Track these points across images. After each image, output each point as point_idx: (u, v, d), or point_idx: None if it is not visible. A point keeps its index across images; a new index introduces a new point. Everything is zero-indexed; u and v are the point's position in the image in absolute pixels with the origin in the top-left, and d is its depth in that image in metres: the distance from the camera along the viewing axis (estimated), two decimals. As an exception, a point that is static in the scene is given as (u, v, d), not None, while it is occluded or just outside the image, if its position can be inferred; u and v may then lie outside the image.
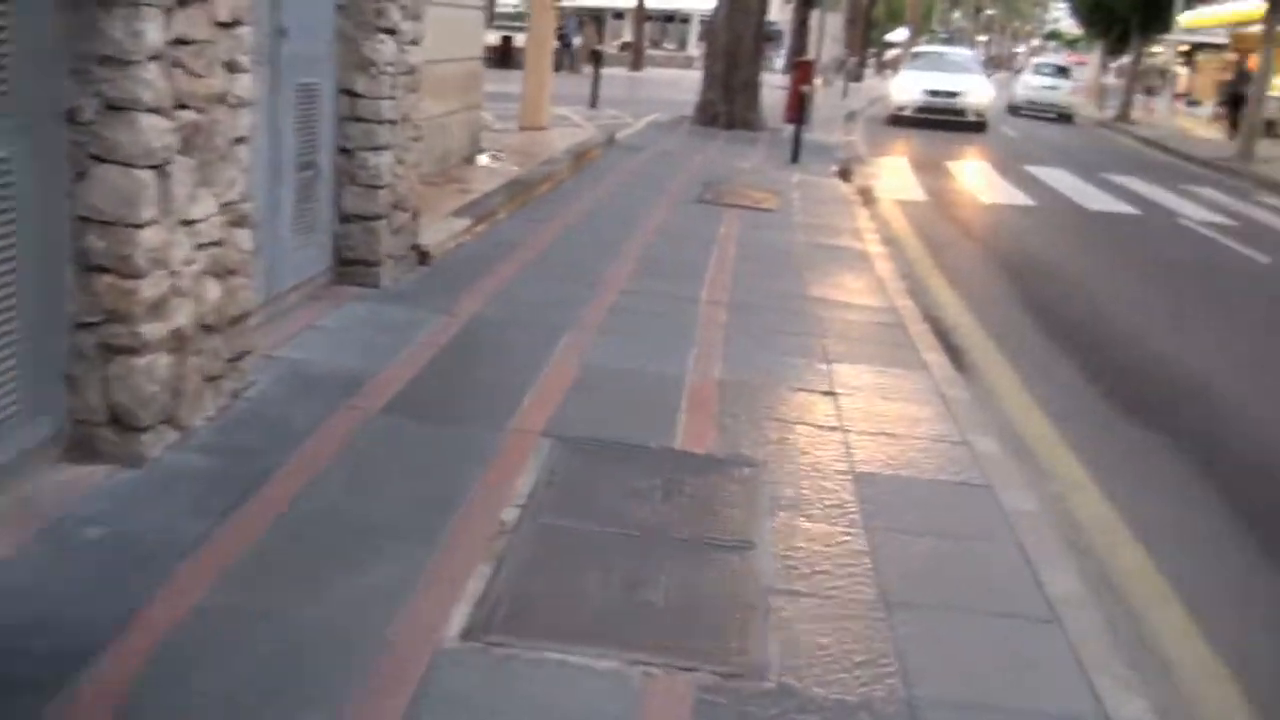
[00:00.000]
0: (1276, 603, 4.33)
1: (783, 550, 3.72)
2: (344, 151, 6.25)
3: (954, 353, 6.77)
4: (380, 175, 6.31)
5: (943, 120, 25.02)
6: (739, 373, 5.56)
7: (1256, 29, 36.76)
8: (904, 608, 3.47)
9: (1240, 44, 39.64)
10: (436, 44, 8.51)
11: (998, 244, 11.56)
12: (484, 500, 3.87)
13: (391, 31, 6.28)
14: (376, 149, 6.29)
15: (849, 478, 4.40)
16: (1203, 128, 32.19)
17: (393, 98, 6.35)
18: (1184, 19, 33.28)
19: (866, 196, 12.94)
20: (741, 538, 3.78)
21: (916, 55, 31.13)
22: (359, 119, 6.24)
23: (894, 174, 16.19)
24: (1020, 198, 14.89)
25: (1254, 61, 34.25)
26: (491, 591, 3.29)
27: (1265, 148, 23.36)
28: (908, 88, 26.38)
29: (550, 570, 3.45)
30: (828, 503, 4.14)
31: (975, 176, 16.80)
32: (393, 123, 6.39)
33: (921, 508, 4.24)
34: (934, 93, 25.60)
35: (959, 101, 25.60)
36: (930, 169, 17.09)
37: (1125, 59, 40.97)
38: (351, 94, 6.18)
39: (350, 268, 6.35)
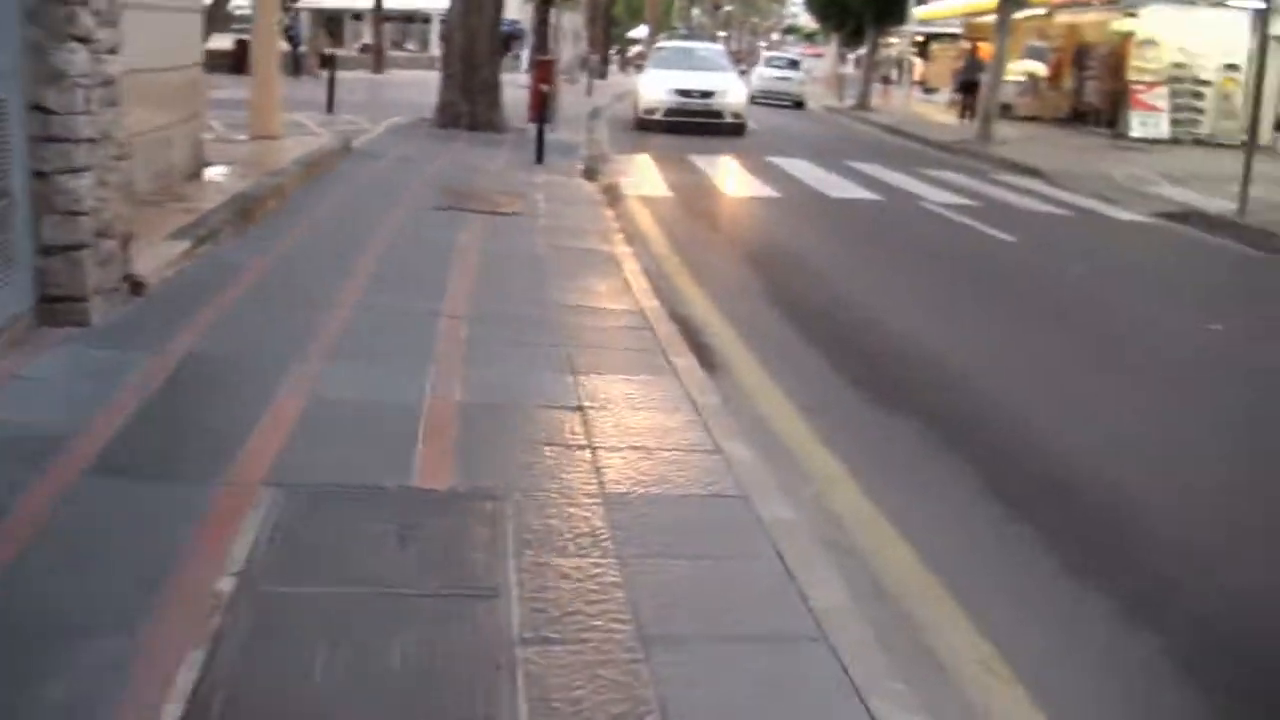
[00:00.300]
0: (1047, 591, 4.28)
1: (531, 593, 3.43)
2: (39, 175, 5.62)
3: (703, 353, 6.63)
4: (81, 200, 5.72)
5: (697, 124, 22.71)
6: (481, 393, 5.24)
7: (989, 19, 38.62)
8: (663, 643, 3.23)
9: (973, 33, 41.44)
10: (150, 51, 7.92)
11: (744, 237, 11.63)
12: (196, 570, 3.42)
13: (85, 40, 5.68)
14: (75, 171, 5.69)
15: (599, 501, 4.14)
16: (940, 113, 33.50)
17: (89, 113, 5.76)
18: (918, 11, 34.51)
19: (612, 195, 12.79)
20: (486, 584, 3.47)
21: (661, 51, 28.08)
22: (53, 138, 5.62)
23: (639, 171, 16.10)
24: (765, 189, 14.98)
25: (985, 50, 35.95)
26: (205, 684, 2.87)
27: (1001, 130, 24.37)
28: (655, 88, 23.68)
29: (272, 648, 3.05)
30: (577, 532, 3.87)
31: (720, 170, 16.87)
32: (92, 141, 5.80)
33: (676, 527, 4.02)
34: (685, 93, 23.18)
35: (715, 102, 23.32)
36: (675, 164, 17.10)
37: (862, 50, 42.27)
38: (43, 110, 5.57)
39: (55, 306, 5.73)
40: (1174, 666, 3.80)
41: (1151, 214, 15.37)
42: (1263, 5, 26.68)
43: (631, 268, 8.44)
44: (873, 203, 14.52)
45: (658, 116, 22.99)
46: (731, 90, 23.81)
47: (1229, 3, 26.80)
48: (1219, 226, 14.39)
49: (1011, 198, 15.98)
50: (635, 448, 4.75)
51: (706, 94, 23.27)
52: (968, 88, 31.85)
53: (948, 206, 14.38)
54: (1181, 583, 4.40)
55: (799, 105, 37.12)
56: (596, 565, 3.65)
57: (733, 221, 12.61)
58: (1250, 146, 15.08)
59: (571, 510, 4.04)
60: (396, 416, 4.84)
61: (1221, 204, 15.74)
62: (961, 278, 10.16)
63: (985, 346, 7.71)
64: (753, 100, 35.15)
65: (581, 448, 4.67)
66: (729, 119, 23.21)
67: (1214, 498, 5.27)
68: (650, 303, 7.36)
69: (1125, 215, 15.26)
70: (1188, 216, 15.12)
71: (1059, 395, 6.76)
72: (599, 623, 3.30)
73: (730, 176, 16.15)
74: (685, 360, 6.11)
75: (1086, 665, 3.80)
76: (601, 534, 3.87)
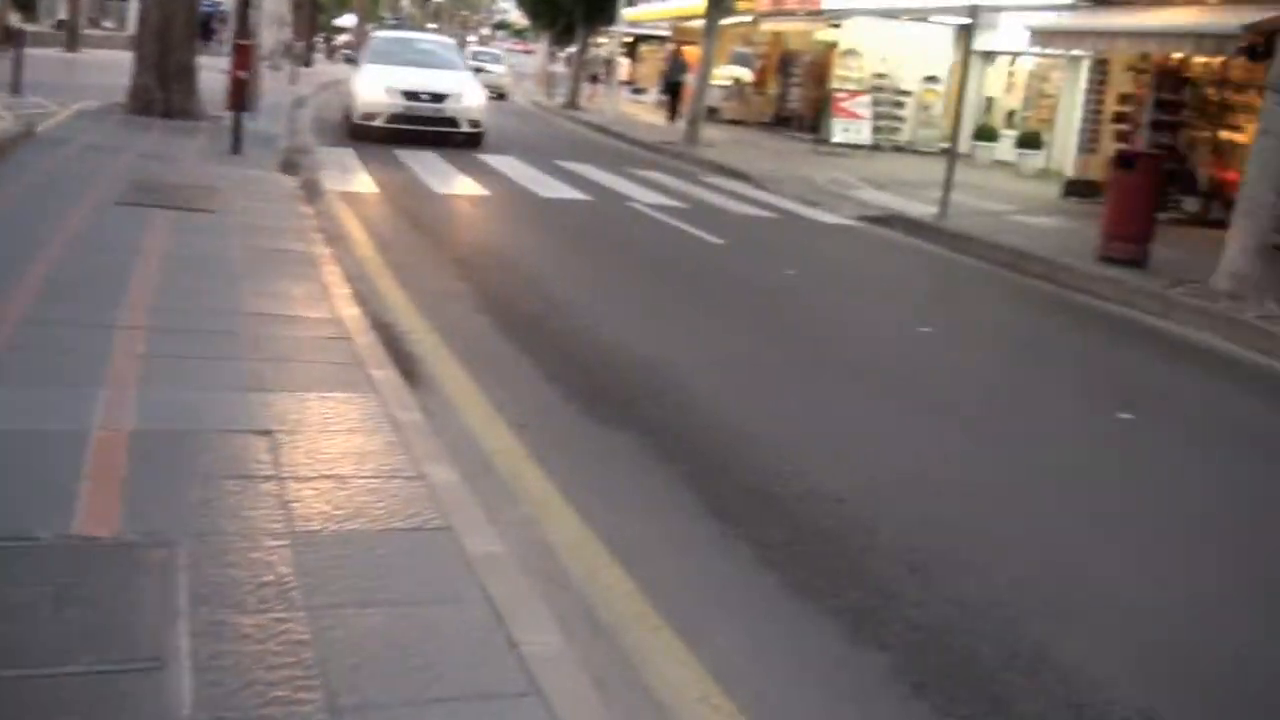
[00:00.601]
0: (769, 613, 4.13)
1: (204, 661, 3.00)
2: None
3: (407, 365, 6.26)
4: None
5: (429, 134, 19.02)
6: (157, 418, 4.69)
7: (696, 24, 39.30)
8: (357, 713, 2.88)
9: (681, 36, 42.14)
10: None
11: (452, 237, 11.25)
12: None
13: None
14: None
15: (286, 543, 3.73)
16: (648, 113, 33.87)
17: None
18: (628, 12, 34.78)
19: (312, 191, 12.15)
20: (151, 654, 3.02)
21: (378, 42, 22.96)
22: None
23: (342, 165, 15.42)
24: (474, 187, 14.62)
25: (692, 54, 36.55)
26: None
27: (708, 132, 24.72)
28: (374, 88, 19.26)
29: None
30: (260, 582, 3.45)
31: (428, 166, 16.35)
32: None
33: (373, 570, 3.65)
34: (412, 95, 19.08)
35: (449, 108, 19.32)
36: (381, 159, 16.52)
37: (572, 49, 42.42)
38: None
39: None
40: (902, 684, 3.73)
41: (855, 217, 15.84)
42: (967, 20, 28.12)
43: (331, 271, 7.94)
44: (583, 203, 14.39)
45: (379, 123, 18.86)
46: (468, 93, 19.89)
47: (930, 18, 28.08)
48: (920, 229, 14.95)
49: (719, 200, 16.16)
50: (329, 476, 4.34)
51: (439, 97, 19.34)
52: (673, 89, 32.57)
53: (657, 208, 14.39)
54: (904, 594, 4.34)
55: (501, 97, 38.29)
56: (281, 621, 3.25)
57: (441, 221, 12.17)
58: (952, 155, 15.77)
59: (254, 556, 3.62)
60: (58, 449, 4.26)
61: (922, 208, 16.38)
62: (673, 281, 10.11)
63: (700, 352, 7.61)
64: None
65: (268, 479, 4.24)
66: (466, 128, 19.53)
67: (936, 503, 5.28)
68: (350, 310, 6.90)
69: (829, 218, 15.66)
70: (890, 220, 15.66)
71: (776, 402, 6.73)
72: (282, 693, 2.92)
73: (439, 173, 15.68)
74: (386, 373, 5.72)
75: (813, 690, 3.67)
76: (288, 582, 3.47)
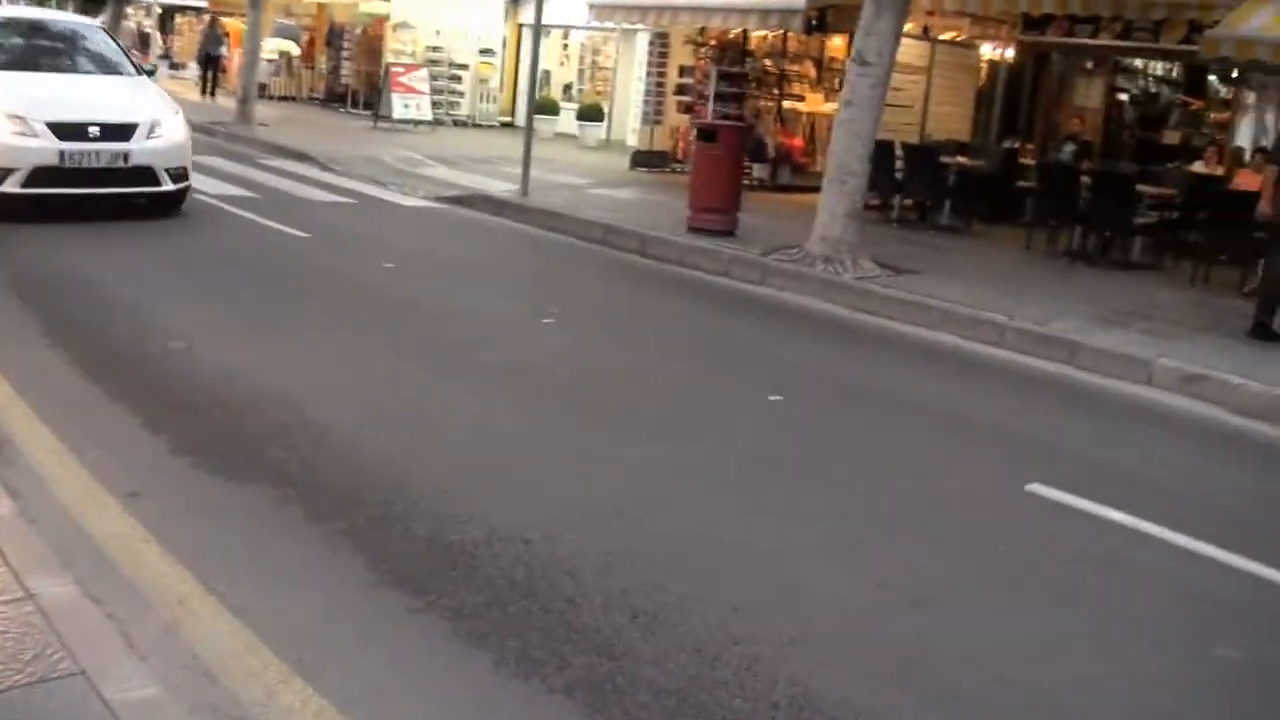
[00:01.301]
0: (498, 705, 3.48)
1: None
2: None
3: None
4: None
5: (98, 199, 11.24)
6: None
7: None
8: None
9: (218, 6, 39.60)
10: None
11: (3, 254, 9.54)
12: None
13: None
14: None
15: None
16: (190, 91, 31.48)
17: None
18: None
19: None
20: None
21: None
22: None
23: None
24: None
25: (233, 26, 34.38)
26: None
27: (260, 110, 23.10)
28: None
29: None
30: None
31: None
32: None
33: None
34: (72, 132, 10.61)
35: (135, 151, 10.94)
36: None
37: (103, 20, 39.25)
38: None
39: None
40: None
41: (435, 198, 15.18)
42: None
43: None
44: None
45: (12, 188, 10.45)
46: (164, 119, 11.45)
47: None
48: (505, 208, 14.49)
49: (288, 185, 15.05)
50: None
51: (117, 131, 10.91)
52: (207, 62, 30.71)
53: (226, 199, 13.10)
54: (634, 650, 3.78)
55: None
56: None
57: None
58: (528, 129, 15.28)
59: None
60: None
61: (501, 185, 15.94)
62: (265, 286, 9.06)
63: (318, 373, 6.74)
64: None
65: None
66: (168, 185, 11.34)
67: (631, 529, 4.74)
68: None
69: (410, 201, 14.93)
70: (473, 199, 15.08)
71: (422, 426, 6.00)
72: None
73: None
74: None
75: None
76: None
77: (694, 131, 15.87)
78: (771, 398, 7.16)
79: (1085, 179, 13.51)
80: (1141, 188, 13.31)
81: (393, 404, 6.36)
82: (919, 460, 6.34)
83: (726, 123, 15.14)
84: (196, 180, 14.02)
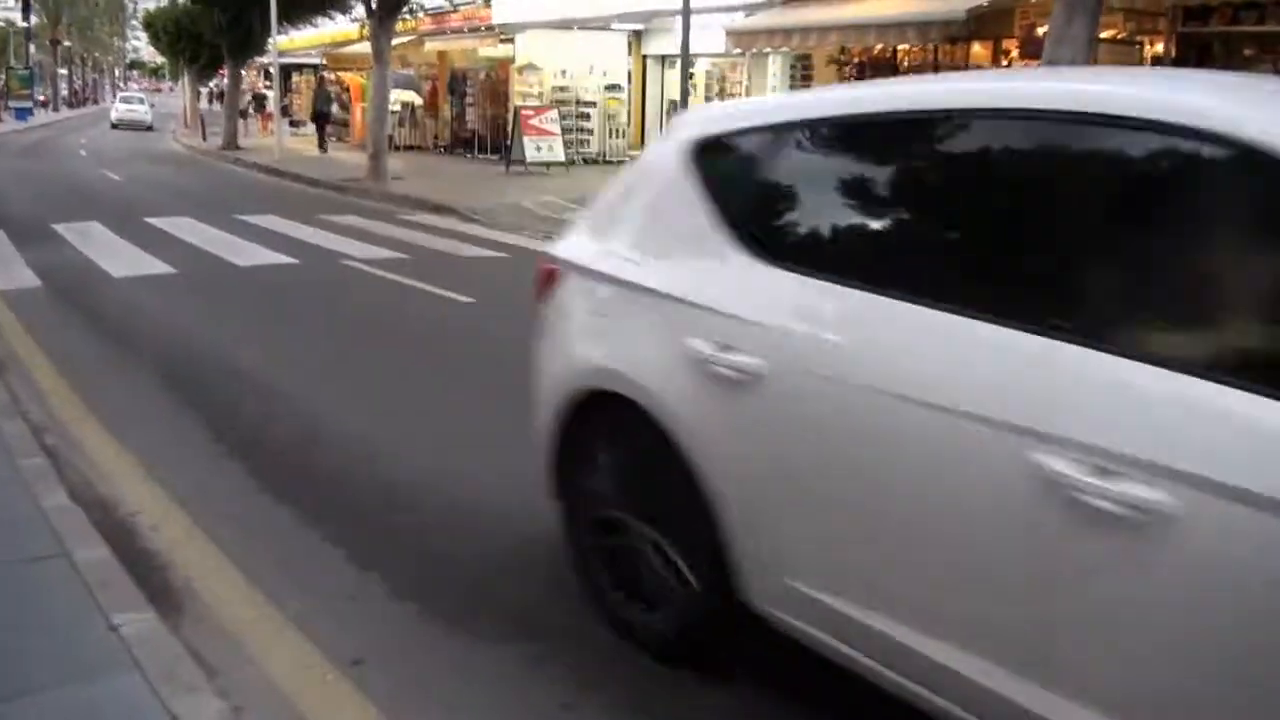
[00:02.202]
0: None
1: None
2: None
3: (154, 580, 4.31)
4: None
5: None
6: None
7: (350, 49, 37.09)
8: None
9: (334, 63, 39.78)
10: None
11: (152, 341, 8.83)
12: None
13: None
14: None
15: None
16: (312, 147, 31.48)
17: None
18: (279, 41, 32.24)
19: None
20: None
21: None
22: None
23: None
24: (155, 264, 12.17)
25: (354, 80, 34.39)
26: None
27: (389, 163, 22.69)
28: None
29: None
30: None
31: (94, 242, 13.82)
32: None
33: None
34: None
35: None
36: (35, 235, 13.94)
37: (216, 84, 39.87)
38: None
39: None
40: None
41: (591, 247, 14.36)
42: (639, 27, 27.24)
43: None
44: (290, 268, 12.27)
45: None
46: None
47: (612, 26, 27.09)
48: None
49: (437, 243, 14.40)
50: None
51: None
52: (320, 119, 30.75)
53: (376, 263, 12.48)
54: None
55: (150, 129, 47.25)
56: None
57: (130, 317, 9.74)
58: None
59: None
60: None
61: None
62: (443, 369, 8.11)
63: (528, 474, 5.85)
64: (113, 126, 48.49)
65: None
66: None
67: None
68: (56, 496, 4.86)
69: (566, 252, 14.13)
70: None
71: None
72: None
73: (108, 250, 13.20)
74: (136, 615, 3.78)
75: None
76: None
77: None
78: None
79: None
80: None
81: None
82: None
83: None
84: (343, 245, 13.52)
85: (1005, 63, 18.82)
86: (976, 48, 19.48)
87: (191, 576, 4.43)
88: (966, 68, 19.67)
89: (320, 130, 31.42)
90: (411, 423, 6.68)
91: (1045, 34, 10.69)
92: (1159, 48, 17.56)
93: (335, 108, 34.79)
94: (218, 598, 4.25)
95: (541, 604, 4.28)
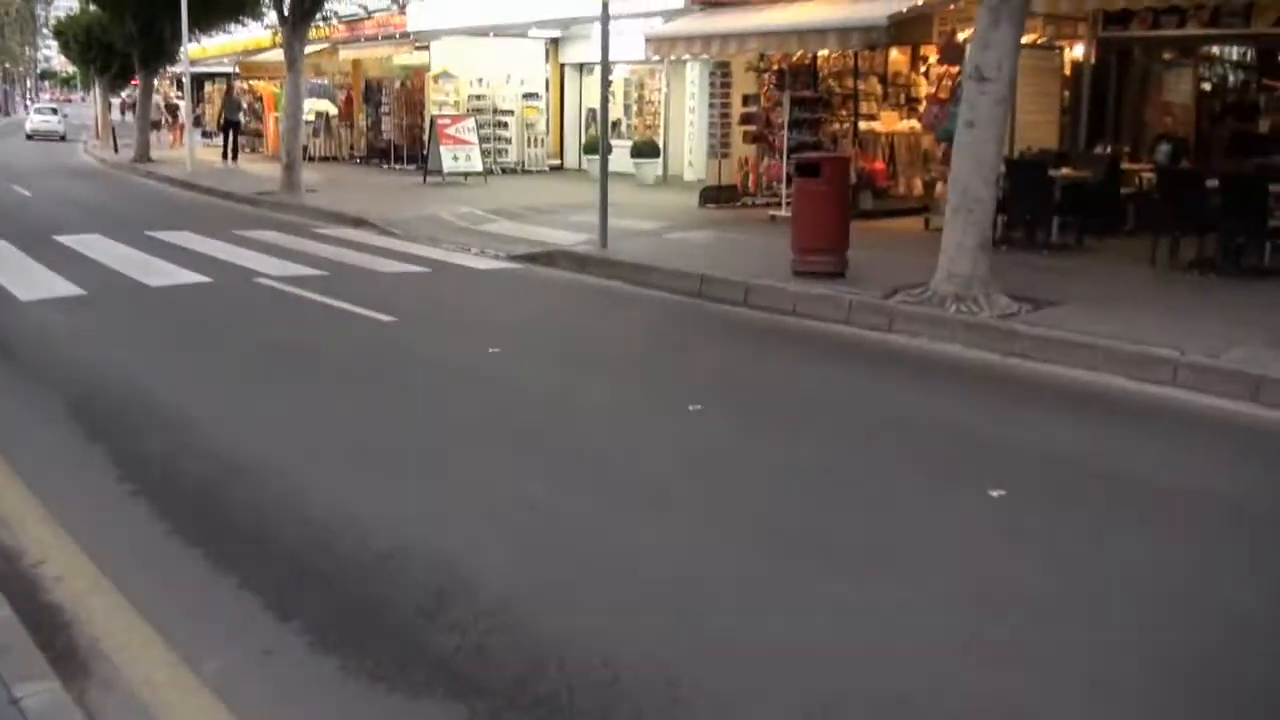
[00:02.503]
0: None
1: None
2: None
3: (51, 636, 4.03)
4: None
5: None
6: None
7: (262, 57, 36.35)
8: None
9: (249, 71, 39.03)
10: None
11: (55, 370, 8.38)
12: None
13: None
14: None
15: None
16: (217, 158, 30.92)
17: None
18: (191, 50, 31.53)
19: None
20: None
21: None
22: None
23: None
24: (62, 285, 11.73)
25: (265, 89, 33.80)
26: None
27: (304, 174, 22.28)
28: None
29: None
30: None
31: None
32: None
33: None
34: None
35: None
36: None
37: (127, 95, 39.07)
38: None
39: None
40: None
41: (509, 257, 14.19)
42: (557, 34, 27.00)
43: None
44: (202, 287, 11.91)
45: None
46: None
47: (529, 33, 26.85)
48: (588, 264, 13.48)
49: (354, 257, 14.11)
50: None
51: None
52: (229, 127, 30.98)
53: (293, 280, 12.16)
54: None
55: (63, 139, 48.70)
56: None
57: (37, 343, 9.34)
58: (603, 177, 14.19)
59: None
60: None
61: (572, 236, 15.01)
62: (367, 393, 7.87)
63: (454, 503, 5.62)
64: (29, 137, 49.62)
65: None
66: None
67: None
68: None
69: (484, 263, 13.97)
70: (552, 257, 14.06)
71: (601, 579, 4.81)
72: None
73: (17, 271, 12.67)
74: (39, 685, 3.51)
75: None
76: None
77: (791, 167, 14.77)
78: (992, 493, 5.91)
79: (1211, 183, 12.30)
80: (1274, 187, 12.06)
81: (549, 547, 5.16)
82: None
83: (828, 154, 14.09)
84: (257, 262, 13.16)
85: (924, 69, 18.87)
86: (895, 54, 19.54)
87: (98, 636, 4.15)
88: (885, 74, 19.77)
89: (228, 139, 30.81)
90: (332, 455, 6.43)
91: (968, 39, 10.64)
92: (1078, 51, 17.68)
93: (247, 116, 34.23)
94: (127, 658, 3.99)
95: (474, 655, 4.06)
